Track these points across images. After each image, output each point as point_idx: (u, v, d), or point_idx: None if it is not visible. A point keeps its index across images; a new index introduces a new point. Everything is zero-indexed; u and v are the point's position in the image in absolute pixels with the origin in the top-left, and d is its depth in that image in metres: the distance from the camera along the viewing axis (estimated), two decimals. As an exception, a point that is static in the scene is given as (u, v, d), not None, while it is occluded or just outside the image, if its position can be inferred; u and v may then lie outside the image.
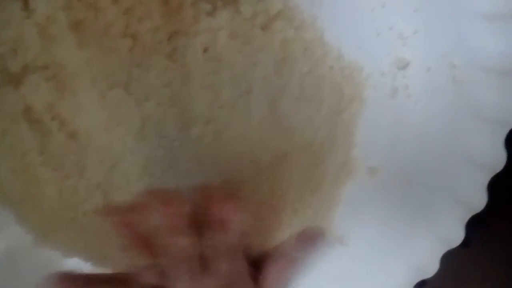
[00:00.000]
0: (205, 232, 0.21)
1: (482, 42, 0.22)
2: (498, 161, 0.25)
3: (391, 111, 0.27)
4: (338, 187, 0.28)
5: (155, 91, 0.24)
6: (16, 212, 0.26)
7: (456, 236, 0.27)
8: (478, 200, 0.26)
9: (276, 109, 0.25)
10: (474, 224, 0.27)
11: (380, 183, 0.28)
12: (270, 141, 0.26)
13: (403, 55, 0.25)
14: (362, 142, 0.28)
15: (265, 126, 0.25)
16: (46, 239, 0.27)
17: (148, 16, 0.22)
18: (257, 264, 0.24)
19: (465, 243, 0.28)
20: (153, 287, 0.21)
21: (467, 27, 0.22)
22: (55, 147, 0.24)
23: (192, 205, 0.22)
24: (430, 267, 0.28)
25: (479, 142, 0.24)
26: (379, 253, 0.29)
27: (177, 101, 0.24)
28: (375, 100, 0.26)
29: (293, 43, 0.24)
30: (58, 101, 0.23)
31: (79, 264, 0.27)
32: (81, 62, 0.22)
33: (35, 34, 0.22)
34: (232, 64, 0.24)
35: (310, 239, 0.26)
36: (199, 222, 0.22)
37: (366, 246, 0.29)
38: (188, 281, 0.21)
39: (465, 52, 0.23)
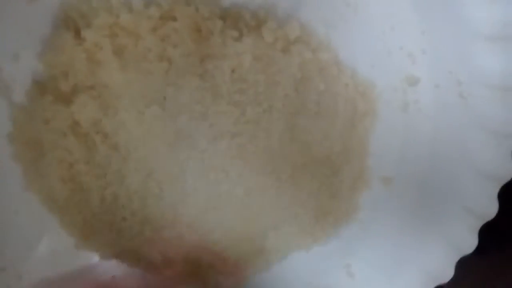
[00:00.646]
0: None
1: (485, 61, 0.24)
2: (507, 171, 0.26)
3: (403, 124, 0.29)
4: (355, 195, 0.30)
5: (187, 108, 0.26)
6: (61, 217, 0.30)
7: (469, 243, 0.28)
8: (489, 209, 0.27)
9: (295, 124, 0.27)
10: (489, 231, 0.28)
11: (395, 192, 0.30)
12: (290, 153, 0.28)
13: (413, 73, 0.27)
14: (376, 153, 0.30)
15: (285, 140, 0.28)
16: (87, 242, 0.30)
17: (182, 43, 0.25)
18: None
19: (479, 250, 0.29)
20: None
21: (471, 47, 0.24)
22: (99, 158, 0.27)
23: None
24: (444, 274, 0.29)
25: (486, 153, 0.26)
26: (394, 259, 0.31)
27: (206, 116, 0.27)
28: (388, 114, 0.29)
29: (310, 64, 0.26)
30: (102, 117, 0.26)
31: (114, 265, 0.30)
32: (122, 83, 0.25)
33: (84, 59, 0.25)
34: (256, 84, 0.26)
35: None
36: None
37: (381, 252, 0.31)
38: None
39: (470, 70, 0.25)
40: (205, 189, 0.28)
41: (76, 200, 0.28)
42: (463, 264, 0.29)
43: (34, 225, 0.29)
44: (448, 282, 0.29)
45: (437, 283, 0.30)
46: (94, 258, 0.30)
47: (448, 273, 0.29)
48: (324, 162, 0.29)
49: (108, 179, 0.28)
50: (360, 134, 0.28)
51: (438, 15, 0.25)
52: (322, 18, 0.26)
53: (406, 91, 0.28)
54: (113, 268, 0.29)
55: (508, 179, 0.26)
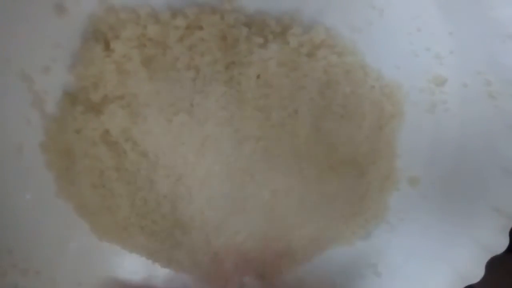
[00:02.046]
0: None
1: (513, 60, 0.24)
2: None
3: (430, 124, 0.29)
4: (384, 196, 0.31)
5: (213, 114, 0.27)
6: (91, 222, 0.31)
7: (499, 243, 0.29)
8: (519, 208, 0.28)
9: (320, 127, 0.28)
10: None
11: (422, 192, 0.31)
12: (316, 155, 0.29)
13: (440, 73, 0.28)
14: (403, 153, 0.30)
15: (311, 142, 0.28)
16: (118, 245, 0.32)
17: (208, 51, 0.26)
18: None
19: (511, 249, 0.29)
20: None
21: (499, 47, 0.24)
22: (129, 165, 0.28)
23: None
24: (474, 274, 0.30)
25: (515, 153, 0.27)
26: (421, 259, 0.32)
27: (232, 122, 0.28)
28: (415, 114, 0.29)
29: (336, 68, 0.27)
30: (132, 126, 0.27)
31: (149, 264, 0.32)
32: (151, 92, 0.27)
33: (113, 70, 0.26)
34: (280, 88, 0.27)
35: None
36: None
37: (409, 252, 0.32)
38: None
39: (499, 69, 0.25)
40: (231, 192, 0.29)
41: (106, 206, 0.30)
42: (493, 264, 0.29)
43: (66, 230, 0.31)
44: (478, 282, 0.30)
45: (466, 283, 0.31)
46: (124, 261, 0.32)
47: (478, 273, 0.30)
48: (351, 163, 0.29)
49: (137, 185, 0.29)
50: (387, 136, 0.29)
51: (465, 15, 0.25)
52: (347, 22, 0.27)
53: (433, 91, 0.28)
54: None
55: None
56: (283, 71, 0.27)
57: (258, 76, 0.27)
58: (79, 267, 0.31)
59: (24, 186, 0.29)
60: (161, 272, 0.32)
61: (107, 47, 0.26)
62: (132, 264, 0.32)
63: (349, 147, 0.29)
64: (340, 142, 0.29)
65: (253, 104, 0.28)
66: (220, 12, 0.26)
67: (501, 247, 0.29)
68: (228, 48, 0.26)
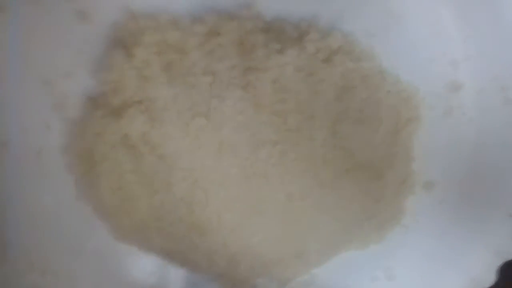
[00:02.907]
0: None
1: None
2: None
3: (447, 129, 0.30)
4: (400, 199, 0.32)
5: (230, 118, 0.28)
6: (111, 224, 0.33)
7: None
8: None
9: (337, 131, 0.29)
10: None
11: (438, 197, 0.32)
12: (332, 159, 0.30)
13: (456, 79, 0.28)
14: (419, 158, 0.31)
15: (327, 147, 0.29)
16: (136, 246, 0.33)
17: (226, 57, 0.27)
18: None
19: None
20: None
21: (516, 53, 0.25)
22: (147, 168, 0.29)
23: None
24: (487, 278, 0.31)
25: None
26: (435, 263, 0.32)
27: (249, 126, 0.29)
28: (431, 119, 0.30)
29: (352, 73, 0.28)
30: (150, 130, 0.28)
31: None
32: (169, 96, 0.28)
33: (133, 75, 0.27)
34: (297, 93, 0.28)
35: None
36: None
37: (423, 256, 0.33)
38: None
39: (515, 75, 0.26)
40: (247, 195, 0.30)
41: (125, 208, 0.31)
42: (506, 269, 0.30)
43: (84, 231, 0.32)
44: (491, 286, 0.30)
45: (480, 287, 0.32)
46: (141, 262, 0.33)
47: (490, 278, 0.30)
48: (368, 167, 0.30)
49: (155, 188, 0.30)
50: (404, 140, 0.30)
51: (481, 21, 0.26)
52: (364, 28, 0.28)
53: (449, 96, 0.29)
54: None
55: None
56: (300, 76, 0.28)
57: (274, 81, 0.28)
58: (97, 268, 0.33)
59: (44, 188, 0.31)
60: (176, 273, 0.33)
61: (128, 53, 0.27)
62: (148, 265, 0.33)
63: (365, 151, 0.30)
64: (357, 146, 0.30)
65: (269, 109, 0.29)
66: (239, 19, 0.27)
67: (513, 252, 0.30)
68: (246, 53, 0.27)
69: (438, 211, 0.32)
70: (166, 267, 0.33)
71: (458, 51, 0.28)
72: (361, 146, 0.30)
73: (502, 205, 0.29)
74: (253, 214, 0.31)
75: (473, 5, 0.26)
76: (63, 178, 0.30)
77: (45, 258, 0.31)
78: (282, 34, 0.27)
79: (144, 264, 0.33)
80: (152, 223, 0.31)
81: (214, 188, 0.30)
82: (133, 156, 0.29)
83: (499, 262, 0.30)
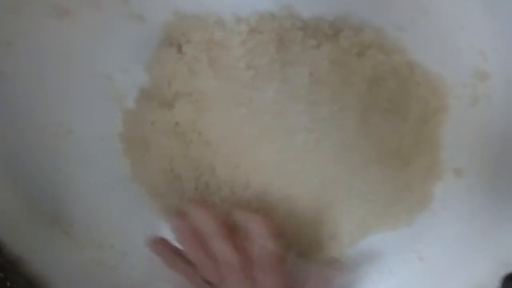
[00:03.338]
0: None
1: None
2: None
3: (474, 118, 0.31)
4: (428, 186, 0.33)
5: (269, 108, 0.31)
6: (160, 203, 0.36)
7: None
8: None
9: (367, 120, 0.31)
10: None
11: (467, 183, 0.33)
12: (362, 147, 0.31)
13: (484, 69, 0.29)
14: (447, 145, 0.32)
15: (358, 135, 0.31)
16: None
17: (266, 53, 0.29)
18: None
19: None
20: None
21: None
22: (194, 153, 0.32)
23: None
24: None
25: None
26: (464, 246, 0.34)
27: (286, 115, 0.31)
28: (459, 108, 0.31)
29: (383, 65, 0.29)
30: (198, 119, 0.31)
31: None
32: (215, 89, 0.30)
33: (184, 70, 0.30)
34: (331, 85, 0.30)
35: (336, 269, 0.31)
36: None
37: (452, 239, 0.34)
38: None
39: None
40: (284, 179, 0.33)
41: (174, 188, 0.34)
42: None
43: (138, 210, 0.35)
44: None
45: (509, 270, 0.32)
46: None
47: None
48: (396, 155, 0.32)
49: (201, 171, 0.33)
50: (432, 129, 0.31)
51: (508, 13, 0.27)
52: (394, 23, 0.29)
53: (476, 86, 0.30)
54: None
55: None
56: (334, 69, 0.30)
57: (311, 74, 0.30)
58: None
59: (104, 171, 0.34)
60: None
61: (179, 50, 0.30)
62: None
63: (394, 139, 0.31)
64: (386, 135, 0.31)
65: (305, 100, 0.31)
66: (279, 18, 0.29)
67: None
68: (284, 49, 0.29)
69: (467, 197, 0.33)
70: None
71: (485, 42, 0.29)
72: (390, 135, 0.31)
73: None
74: (289, 197, 0.33)
75: (499, -3, 0.28)
76: (121, 162, 0.34)
77: (102, 233, 0.34)
78: (318, 31, 0.30)
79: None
80: (197, 203, 0.34)
81: (254, 172, 0.33)
82: (182, 142, 0.32)
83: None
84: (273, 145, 0.32)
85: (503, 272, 0.32)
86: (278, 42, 0.29)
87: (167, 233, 0.36)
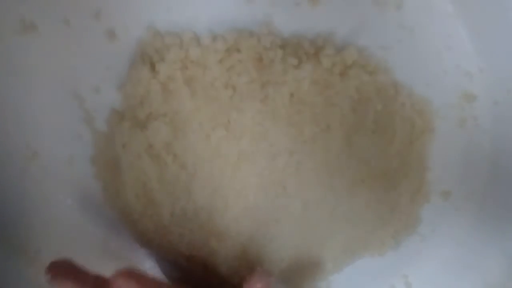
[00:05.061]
0: None
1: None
2: None
3: (461, 139, 0.31)
4: (415, 208, 0.33)
5: (249, 129, 0.30)
6: (135, 229, 0.34)
7: None
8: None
9: (352, 141, 0.30)
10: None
11: (454, 205, 0.33)
12: (347, 169, 0.31)
13: (470, 90, 0.29)
14: (435, 167, 0.32)
15: (342, 157, 0.30)
16: (158, 250, 0.34)
17: (245, 72, 0.28)
18: None
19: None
20: None
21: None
22: (169, 177, 0.31)
23: None
24: (504, 285, 0.31)
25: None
26: (453, 270, 0.33)
27: (267, 137, 0.30)
28: (445, 130, 0.31)
29: (367, 86, 0.29)
30: (173, 140, 0.30)
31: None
32: (192, 109, 0.29)
33: (158, 90, 0.29)
34: (313, 105, 0.29)
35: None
36: None
37: (440, 264, 0.33)
38: None
39: (531, 87, 0.26)
40: (265, 203, 0.32)
41: (149, 214, 0.32)
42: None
43: (111, 236, 0.34)
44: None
45: None
46: (162, 265, 0.35)
47: (508, 285, 0.31)
48: (382, 177, 0.31)
49: (177, 195, 0.32)
50: (418, 150, 0.31)
51: (494, 35, 0.27)
52: (378, 42, 0.29)
53: (463, 107, 0.30)
54: None
55: None
56: (316, 89, 0.29)
57: (292, 94, 0.29)
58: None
59: (73, 195, 0.33)
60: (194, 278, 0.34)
61: (153, 69, 0.29)
62: (168, 269, 0.34)
63: (380, 161, 0.31)
64: (371, 157, 0.31)
65: (286, 120, 0.30)
66: (257, 36, 0.28)
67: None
68: (264, 68, 0.28)
69: (455, 220, 0.33)
70: (184, 271, 0.34)
71: (472, 63, 0.28)
72: (375, 157, 0.31)
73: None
74: (270, 222, 0.32)
75: (486, 18, 0.27)
76: (91, 186, 0.32)
77: (73, 260, 0.33)
78: (299, 49, 0.29)
79: (163, 268, 0.34)
80: (173, 229, 0.33)
81: (233, 196, 0.31)
82: (157, 165, 0.31)
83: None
84: (253, 168, 0.31)
85: (492, 298, 0.32)
86: (257, 60, 0.28)
87: (143, 260, 0.35)
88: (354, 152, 0.31)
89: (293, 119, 0.30)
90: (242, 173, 0.31)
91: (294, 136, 0.30)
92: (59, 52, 0.30)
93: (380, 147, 0.30)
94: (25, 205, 0.32)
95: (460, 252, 0.33)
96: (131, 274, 0.27)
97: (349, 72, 0.29)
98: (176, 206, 0.32)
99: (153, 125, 0.30)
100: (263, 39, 0.28)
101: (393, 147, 0.31)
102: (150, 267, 0.35)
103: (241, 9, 0.29)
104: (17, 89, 0.30)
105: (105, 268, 0.33)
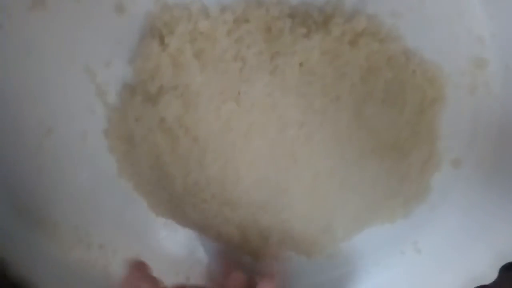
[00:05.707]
0: None
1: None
2: None
3: (472, 106, 0.30)
4: (425, 177, 0.33)
5: (259, 101, 0.30)
6: (149, 200, 0.35)
7: None
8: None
9: (362, 112, 0.30)
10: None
11: (465, 174, 0.33)
12: (357, 139, 0.31)
13: (482, 56, 0.29)
14: (445, 136, 0.32)
15: (352, 127, 0.30)
16: (173, 220, 0.35)
17: (254, 43, 0.28)
18: None
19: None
20: None
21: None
22: (181, 149, 0.31)
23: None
24: None
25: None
26: (462, 239, 0.33)
27: (276, 108, 0.30)
28: (456, 97, 0.30)
29: (377, 54, 0.28)
30: (184, 114, 0.30)
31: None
32: (202, 82, 0.29)
33: (168, 63, 0.29)
34: (323, 76, 0.29)
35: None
36: None
37: (449, 230, 0.34)
38: None
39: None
40: (275, 174, 0.32)
41: (162, 185, 0.33)
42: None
43: (126, 207, 0.34)
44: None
45: (506, 261, 0.32)
46: (177, 235, 0.36)
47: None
48: (393, 146, 0.31)
49: (189, 167, 0.32)
50: (429, 119, 0.30)
51: (506, -1, 0.26)
52: (388, 9, 0.28)
53: (474, 74, 0.29)
54: None
55: None
56: (326, 59, 0.29)
57: (301, 65, 0.29)
58: (136, 240, 0.35)
59: (88, 169, 0.33)
60: (207, 246, 0.35)
61: (162, 42, 0.29)
62: (182, 238, 0.35)
63: (390, 131, 0.31)
64: (382, 127, 0.30)
65: (296, 92, 0.30)
66: (266, 6, 0.28)
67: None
68: (273, 39, 0.28)
69: (465, 188, 0.33)
70: (199, 239, 0.35)
71: (483, 28, 0.28)
72: (386, 127, 0.30)
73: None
74: (281, 192, 0.33)
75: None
76: (106, 159, 0.33)
77: (90, 232, 0.34)
78: (308, 18, 0.28)
79: (178, 236, 0.35)
80: (187, 199, 0.33)
81: (244, 168, 0.32)
82: (169, 138, 0.31)
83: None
84: (263, 140, 0.31)
85: (501, 262, 0.32)
86: (265, 31, 0.28)
87: (157, 230, 0.35)
88: (364, 122, 0.30)
89: (303, 90, 0.30)
90: (253, 144, 0.31)
91: (304, 107, 0.30)
92: (69, 27, 0.30)
93: (390, 117, 0.30)
94: (42, 181, 0.33)
95: (470, 220, 0.33)
96: None
97: (359, 40, 0.28)
98: (189, 178, 0.33)
99: (164, 98, 0.30)
100: (271, 8, 0.28)
101: (404, 117, 0.30)
102: (165, 237, 0.36)
103: (248, -22, 0.28)
104: (29, 66, 0.30)
105: (122, 239, 0.35)
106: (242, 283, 0.28)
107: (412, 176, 0.33)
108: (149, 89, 0.30)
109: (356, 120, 0.30)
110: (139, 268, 0.27)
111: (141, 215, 0.35)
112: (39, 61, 0.30)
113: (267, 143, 0.31)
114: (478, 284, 0.31)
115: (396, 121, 0.30)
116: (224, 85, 0.30)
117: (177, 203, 0.34)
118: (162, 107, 0.30)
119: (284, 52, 0.29)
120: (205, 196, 0.33)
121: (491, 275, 0.31)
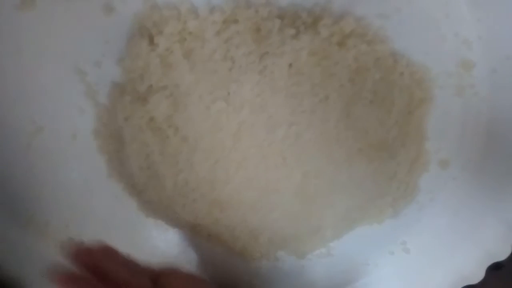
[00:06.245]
0: None
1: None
2: None
3: (459, 108, 0.31)
4: (413, 177, 0.33)
5: (248, 101, 0.30)
6: (139, 200, 0.35)
7: None
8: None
9: (350, 112, 0.30)
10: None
11: (452, 174, 0.33)
12: (346, 139, 0.31)
13: (468, 58, 0.29)
14: (433, 137, 0.32)
15: (341, 127, 0.30)
16: (163, 220, 0.35)
17: (243, 43, 0.28)
18: None
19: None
20: None
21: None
22: (171, 149, 0.32)
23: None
24: (500, 252, 0.31)
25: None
26: (451, 238, 0.33)
27: (266, 108, 0.30)
28: (444, 99, 0.31)
29: (365, 55, 0.29)
30: (174, 113, 0.30)
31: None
32: (191, 82, 0.29)
33: (157, 63, 0.29)
34: (312, 76, 0.29)
35: None
36: None
37: (439, 231, 0.34)
38: None
39: (528, 55, 0.26)
40: (265, 173, 0.32)
41: (152, 186, 0.33)
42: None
43: (116, 207, 0.34)
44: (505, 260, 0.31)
45: (494, 260, 0.32)
46: (167, 235, 0.36)
47: (504, 252, 0.31)
48: (381, 146, 0.31)
49: (179, 167, 0.32)
50: (417, 120, 0.31)
51: (493, 1, 0.26)
52: (376, 11, 0.28)
53: (461, 76, 0.30)
54: None
55: None
56: (314, 60, 0.29)
57: (290, 65, 0.29)
58: (127, 240, 0.35)
59: (78, 169, 0.33)
60: (198, 245, 0.35)
61: (151, 42, 0.29)
62: (173, 238, 0.35)
63: (378, 131, 0.31)
64: (370, 127, 0.31)
65: (285, 92, 0.30)
66: (255, 6, 0.28)
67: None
68: (262, 39, 0.28)
69: (453, 188, 0.33)
70: (189, 239, 0.35)
71: (470, 31, 0.28)
72: (374, 127, 0.31)
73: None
74: (270, 192, 0.33)
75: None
76: (96, 159, 0.33)
77: (81, 232, 0.34)
78: (297, 19, 0.29)
79: (169, 236, 0.35)
80: (177, 199, 0.33)
81: (234, 168, 0.32)
82: (158, 138, 0.32)
83: (514, 238, 0.30)
84: (252, 140, 0.31)
85: (489, 262, 0.32)
86: (255, 32, 0.28)
87: (148, 230, 0.35)
88: (353, 122, 0.31)
89: (292, 90, 0.30)
90: (242, 144, 0.31)
91: (293, 107, 0.30)
92: (58, 26, 0.30)
93: (378, 117, 0.31)
94: (31, 180, 0.33)
95: (458, 220, 0.33)
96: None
97: (347, 41, 0.29)
98: (179, 177, 0.33)
99: (153, 98, 0.30)
100: (260, 9, 0.28)
101: (392, 117, 0.31)
102: (155, 237, 0.36)
103: (238, -21, 0.28)
104: (18, 66, 0.30)
105: (112, 239, 0.34)
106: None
107: (400, 176, 0.33)
108: (138, 89, 0.30)
109: (345, 120, 0.31)
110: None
111: (132, 215, 0.35)
112: (28, 60, 0.30)
113: (256, 143, 0.31)
114: (466, 284, 0.31)
115: (384, 122, 0.31)
116: (213, 85, 0.30)
117: (167, 203, 0.34)
118: (151, 106, 0.30)
119: (273, 53, 0.29)
120: (195, 196, 0.33)
121: (479, 275, 0.32)
